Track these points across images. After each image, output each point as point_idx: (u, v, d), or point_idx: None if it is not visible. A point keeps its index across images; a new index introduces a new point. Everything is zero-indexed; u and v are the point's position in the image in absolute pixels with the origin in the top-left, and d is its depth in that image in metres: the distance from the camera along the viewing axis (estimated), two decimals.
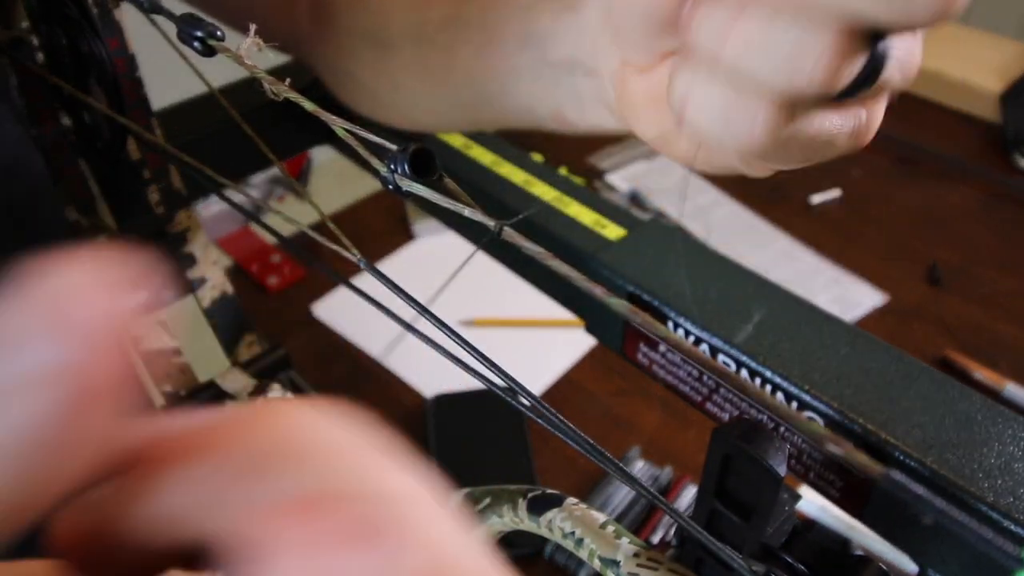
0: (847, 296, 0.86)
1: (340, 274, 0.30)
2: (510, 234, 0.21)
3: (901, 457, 0.30)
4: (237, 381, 0.45)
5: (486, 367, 0.27)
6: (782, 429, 0.33)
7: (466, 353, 0.27)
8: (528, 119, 0.37)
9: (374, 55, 0.45)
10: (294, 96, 0.24)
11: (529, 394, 0.26)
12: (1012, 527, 0.27)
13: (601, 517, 0.28)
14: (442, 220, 0.52)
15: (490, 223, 0.21)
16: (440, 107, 0.42)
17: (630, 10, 0.25)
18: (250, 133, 0.34)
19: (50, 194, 0.35)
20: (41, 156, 0.35)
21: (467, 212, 0.19)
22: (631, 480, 0.24)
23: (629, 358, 0.41)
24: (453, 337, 0.27)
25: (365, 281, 0.27)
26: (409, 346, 0.37)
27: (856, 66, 0.21)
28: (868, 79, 0.21)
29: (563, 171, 0.94)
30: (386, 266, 0.93)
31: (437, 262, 0.93)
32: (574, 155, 1.06)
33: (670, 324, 0.37)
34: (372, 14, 0.44)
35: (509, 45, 0.36)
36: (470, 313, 0.87)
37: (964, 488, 0.28)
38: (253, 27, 0.27)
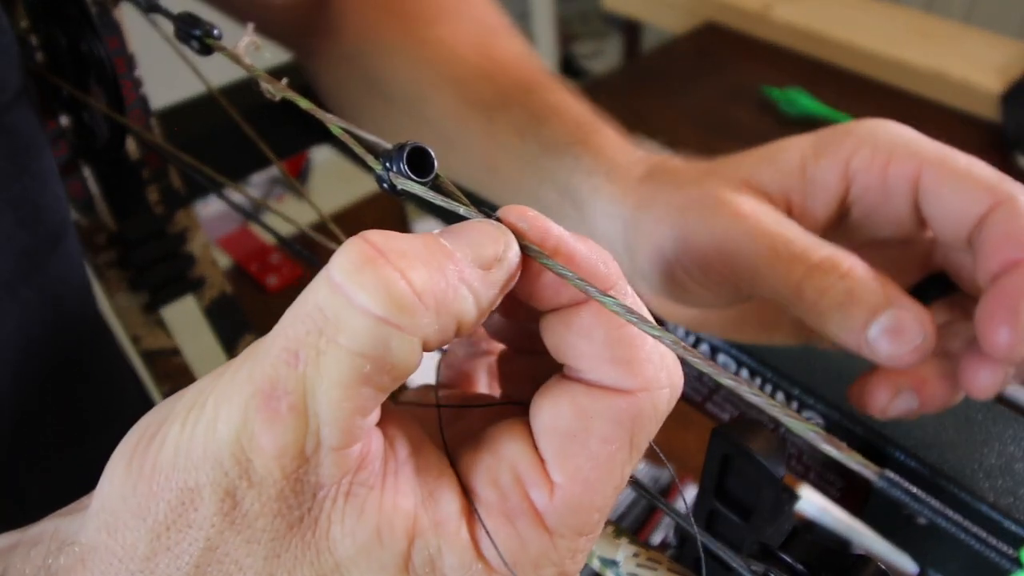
0: None
1: None
2: None
3: (901, 457, 0.30)
4: None
5: None
6: (782, 429, 0.33)
7: None
8: (506, 199, 0.37)
9: (368, 99, 0.44)
10: (290, 95, 0.24)
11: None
12: (1012, 527, 0.27)
13: None
14: (441, 219, 0.52)
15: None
16: None
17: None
18: (250, 133, 0.34)
19: (63, 191, 0.35)
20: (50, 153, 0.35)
21: (462, 211, 0.19)
22: (631, 480, 0.24)
23: None
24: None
25: None
26: None
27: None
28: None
29: None
30: None
31: None
32: None
33: (669, 324, 0.37)
34: (375, 61, 0.43)
35: (528, 172, 0.35)
36: None
37: (964, 488, 0.28)
38: (250, 26, 0.27)
